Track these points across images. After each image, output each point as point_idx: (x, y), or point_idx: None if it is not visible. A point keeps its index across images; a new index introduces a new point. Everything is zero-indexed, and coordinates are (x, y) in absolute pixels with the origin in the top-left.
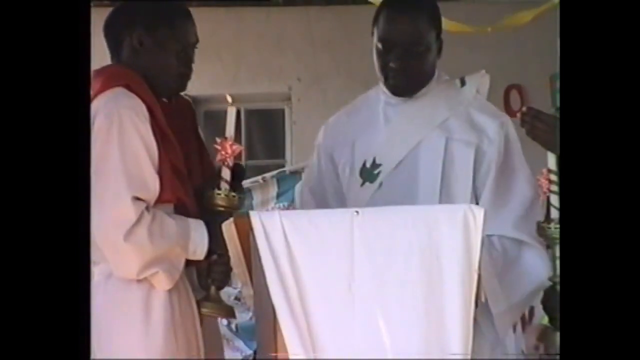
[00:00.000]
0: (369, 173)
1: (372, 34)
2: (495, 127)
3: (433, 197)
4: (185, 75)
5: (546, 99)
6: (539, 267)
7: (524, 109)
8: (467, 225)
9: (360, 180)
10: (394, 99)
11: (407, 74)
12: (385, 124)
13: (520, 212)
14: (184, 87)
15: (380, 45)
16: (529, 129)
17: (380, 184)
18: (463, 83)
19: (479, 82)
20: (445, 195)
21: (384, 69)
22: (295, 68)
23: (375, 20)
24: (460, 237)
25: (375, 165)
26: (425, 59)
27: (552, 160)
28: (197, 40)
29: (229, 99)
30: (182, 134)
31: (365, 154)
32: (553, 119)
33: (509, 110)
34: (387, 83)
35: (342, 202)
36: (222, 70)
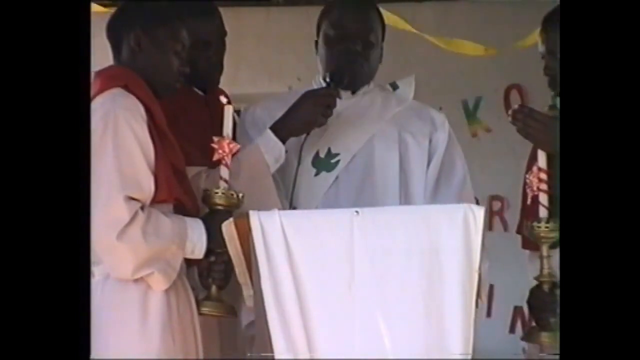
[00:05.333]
0: (324, 162)
1: (318, 29)
2: (442, 118)
3: (392, 189)
4: (187, 74)
5: (546, 99)
6: None
7: (515, 106)
8: (467, 226)
9: (313, 170)
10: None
11: (357, 58)
12: (334, 117)
13: (456, 190)
14: (217, 81)
15: (332, 32)
16: (521, 126)
17: (336, 178)
18: (395, 87)
19: (409, 86)
20: (403, 187)
21: (333, 55)
22: (295, 68)
23: (325, 15)
24: (460, 237)
25: (331, 154)
26: (374, 50)
27: (542, 159)
28: (209, 39)
29: (224, 100)
30: (219, 123)
31: (317, 144)
32: (546, 118)
33: (509, 110)
34: (335, 70)
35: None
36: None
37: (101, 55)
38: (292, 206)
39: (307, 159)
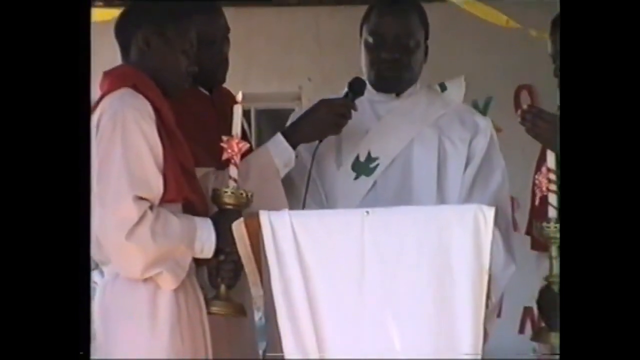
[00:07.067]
0: (363, 167)
1: (361, 34)
2: (485, 123)
3: (429, 193)
4: (196, 74)
5: (556, 100)
6: (500, 256)
7: (524, 106)
8: (477, 226)
9: (353, 174)
10: (382, 97)
11: (398, 67)
12: (376, 120)
13: (491, 196)
14: (223, 79)
15: (371, 39)
16: (530, 127)
17: (375, 182)
18: (444, 88)
19: (459, 87)
20: (439, 192)
21: (374, 63)
22: (305, 68)
23: (365, 19)
24: (470, 238)
25: (371, 158)
26: (415, 55)
27: (551, 160)
28: (214, 37)
29: (240, 97)
30: (225, 123)
31: (356, 148)
32: (555, 118)
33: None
34: (377, 77)
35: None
36: (233, 70)
37: (99, 59)
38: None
39: (347, 162)
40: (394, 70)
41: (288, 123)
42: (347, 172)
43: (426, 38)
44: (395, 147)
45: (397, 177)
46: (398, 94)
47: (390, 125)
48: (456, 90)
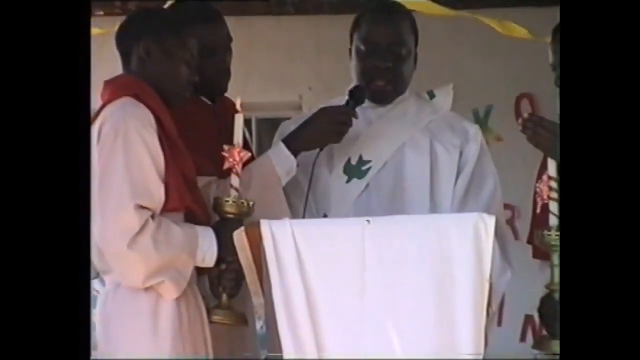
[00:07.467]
0: (355, 169)
1: (351, 41)
2: (475, 130)
3: (421, 196)
4: (197, 83)
5: (556, 108)
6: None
7: (525, 115)
8: (478, 234)
9: (345, 177)
10: (372, 104)
11: (390, 74)
12: (366, 125)
13: (484, 202)
14: (225, 89)
15: (363, 47)
16: (531, 135)
17: (367, 185)
18: (432, 95)
19: (447, 95)
20: (432, 195)
21: (366, 71)
22: (306, 77)
23: (355, 26)
24: (471, 246)
25: (362, 161)
26: (407, 62)
27: (552, 167)
28: (216, 46)
29: (238, 104)
30: (226, 133)
31: (348, 152)
32: (556, 126)
33: (519, 118)
34: (369, 85)
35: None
36: (233, 79)
37: (100, 70)
38: (320, 213)
39: (339, 166)
40: (386, 78)
41: (280, 130)
42: (339, 175)
43: (416, 45)
44: (387, 150)
45: (389, 180)
46: (389, 101)
47: (382, 130)
48: (444, 97)
